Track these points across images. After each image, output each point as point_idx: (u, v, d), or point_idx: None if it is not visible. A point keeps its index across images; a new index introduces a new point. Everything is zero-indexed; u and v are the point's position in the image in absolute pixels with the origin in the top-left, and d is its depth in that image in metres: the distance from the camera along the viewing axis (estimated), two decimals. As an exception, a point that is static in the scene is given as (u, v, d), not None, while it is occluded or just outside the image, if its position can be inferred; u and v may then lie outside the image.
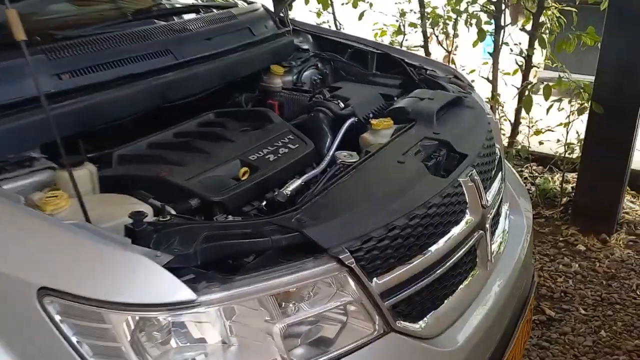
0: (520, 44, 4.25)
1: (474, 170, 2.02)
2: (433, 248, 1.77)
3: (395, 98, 2.78)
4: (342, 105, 2.62)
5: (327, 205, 1.68)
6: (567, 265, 3.82)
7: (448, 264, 1.83)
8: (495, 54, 4.44)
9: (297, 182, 2.03)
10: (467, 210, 1.95)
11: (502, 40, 4.39)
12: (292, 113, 2.90)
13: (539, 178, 4.68)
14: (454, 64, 4.82)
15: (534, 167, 4.78)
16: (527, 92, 4.10)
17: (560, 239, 4.11)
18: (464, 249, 1.90)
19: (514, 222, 2.40)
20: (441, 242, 1.80)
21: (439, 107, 2.34)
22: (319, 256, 1.52)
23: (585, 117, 4.00)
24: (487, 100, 4.34)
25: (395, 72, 3.05)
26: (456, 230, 1.87)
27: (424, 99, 2.44)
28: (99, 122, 2.19)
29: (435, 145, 2.14)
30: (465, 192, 1.95)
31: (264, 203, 2.05)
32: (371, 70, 3.16)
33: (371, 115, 2.59)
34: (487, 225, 2.03)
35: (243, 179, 2.06)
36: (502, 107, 4.54)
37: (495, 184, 2.23)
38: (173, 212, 1.72)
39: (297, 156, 2.23)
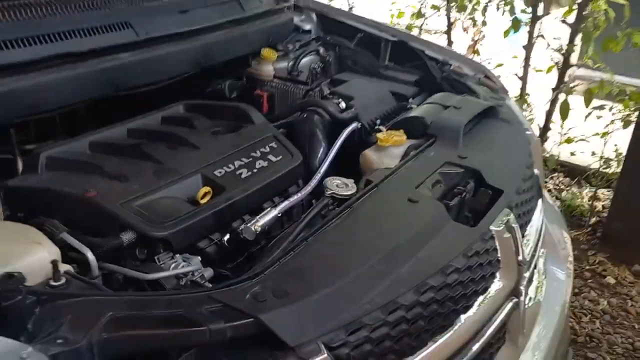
0: (559, 38, 3.69)
1: (512, 214, 1.50)
2: (450, 333, 1.26)
3: (411, 100, 2.25)
4: (343, 105, 2.09)
5: (302, 270, 1.17)
6: (593, 302, 3.31)
7: (470, 353, 1.31)
8: (528, 48, 3.87)
9: (271, 215, 1.51)
10: (498, 273, 1.43)
11: (537, 33, 3.82)
12: (282, 109, 2.38)
13: (565, 192, 4.14)
14: (479, 55, 4.25)
15: (561, 179, 4.24)
16: (564, 96, 3.54)
17: (587, 267, 3.59)
18: (491, 329, 1.38)
19: (551, 275, 1.88)
20: (461, 323, 1.28)
21: (467, 120, 1.81)
22: (281, 356, 1.01)
23: (630, 128, 3.44)
24: (516, 99, 3.78)
25: (413, 66, 2.51)
26: (482, 303, 1.36)
27: (448, 106, 1.91)
28: (21, 112, 1.67)
29: (460, 176, 1.61)
30: (498, 247, 1.42)
31: (227, 237, 1.54)
32: (384, 61, 2.62)
33: (379, 121, 2.06)
34: (523, 290, 1.51)
35: (202, 202, 1.55)
36: (532, 109, 3.99)
37: (534, 227, 1.70)
38: (72, 268, 1.20)
39: (278, 172, 1.72)
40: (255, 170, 1.69)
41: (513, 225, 1.47)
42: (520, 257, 1.48)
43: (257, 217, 1.51)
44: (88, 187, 1.49)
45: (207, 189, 1.58)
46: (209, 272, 1.46)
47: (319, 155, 1.92)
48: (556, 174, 4.29)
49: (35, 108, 1.68)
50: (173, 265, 1.41)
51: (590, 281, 3.47)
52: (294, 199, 1.65)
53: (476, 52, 4.28)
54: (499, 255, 1.42)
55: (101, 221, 1.43)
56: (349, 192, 1.45)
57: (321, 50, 2.60)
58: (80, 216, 1.46)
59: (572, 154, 3.99)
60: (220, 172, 1.64)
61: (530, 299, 1.66)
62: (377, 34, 2.60)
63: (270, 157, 1.77)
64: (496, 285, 1.41)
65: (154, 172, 1.59)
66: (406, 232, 1.32)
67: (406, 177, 1.53)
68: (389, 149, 1.70)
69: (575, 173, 4.22)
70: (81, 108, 2.09)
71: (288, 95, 2.38)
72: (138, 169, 1.60)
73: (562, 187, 4.25)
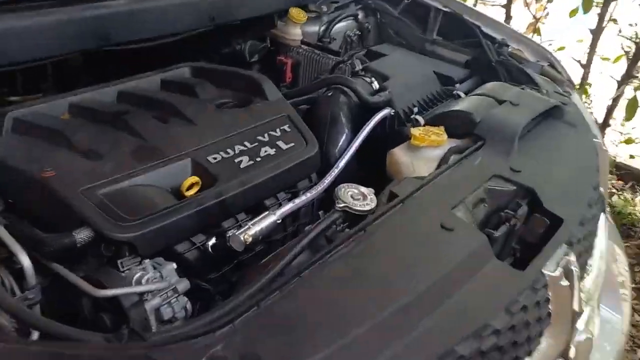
0: (635, 24, 3.23)
1: (572, 253, 1.17)
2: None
3: (457, 85, 1.90)
4: (376, 85, 1.76)
5: (287, 321, 0.87)
6: (638, 327, 2.94)
7: None
8: (596, 32, 3.42)
9: (267, 221, 1.21)
10: (547, 330, 1.11)
11: (609, 16, 3.36)
12: (307, 81, 2.05)
13: (616, 196, 3.74)
14: (539, 35, 3.81)
15: (614, 182, 3.84)
16: (632, 92, 3.11)
17: (633, 285, 3.20)
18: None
19: (604, 320, 1.54)
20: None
21: (526, 122, 1.46)
22: None
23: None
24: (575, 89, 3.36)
25: (465, 44, 2.15)
26: (524, 373, 1.04)
27: (503, 101, 1.56)
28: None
29: (510, 195, 1.28)
30: (551, 298, 1.10)
31: (212, 241, 1.25)
32: (431, 34, 2.26)
33: (416, 109, 1.72)
34: (573, 347, 1.19)
35: (187, 194, 1.26)
36: (591, 101, 3.57)
37: (594, 268, 1.36)
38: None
39: (286, 164, 1.41)
40: (258, 159, 1.39)
41: (573, 268, 1.14)
42: (576, 308, 1.16)
43: (250, 223, 1.21)
44: (47, 164, 1.21)
45: (194, 179, 1.29)
46: (183, 285, 1.18)
47: (340, 144, 1.60)
48: (609, 176, 3.88)
49: (4, 57, 1.39)
50: (137, 276, 1.13)
51: (636, 302, 3.11)
52: (301, 199, 1.34)
53: (537, 31, 3.84)
54: (550, 308, 1.09)
55: (56, 211, 1.15)
56: (367, 208, 1.13)
57: (360, 15, 2.26)
58: (35, 202, 1.19)
59: (632, 156, 3.56)
60: (215, 158, 1.34)
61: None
62: (427, 2, 2.24)
63: (280, 143, 1.46)
64: (543, 345, 1.10)
65: (133, 150, 1.30)
66: (433, 272, 1.01)
67: (442, 192, 1.21)
68: (424, 151, 1.37)
69: (630, 177, 3.81)
70: (74, 64, 1.81)
71: (315, 65, 2.06)
72: (115, 145, 1.31)
73: (614, 190, 3.84)
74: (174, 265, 1.20)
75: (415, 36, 2.22)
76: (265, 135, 1.47)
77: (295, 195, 1.47)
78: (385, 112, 1.68)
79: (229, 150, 1.38)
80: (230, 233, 1.20)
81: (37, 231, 1.10)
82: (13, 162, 1.22)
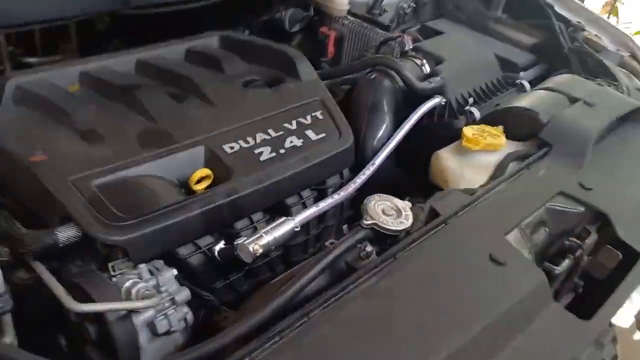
0: None
1: (649, 299, 0.95)
2: None
3: (522, 73, 1.66)
4: (427, 69, 1.54)
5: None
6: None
7: None
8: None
9: (284, 229, 1.04)
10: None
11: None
12: (351, 58, 1.84)
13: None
14: (616, 16, 3.45)
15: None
16: None
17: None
18: None
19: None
20: None
21: (602, 127, 1.23)
22: None
23: None
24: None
25: (534, 25, 1.89)
26: None
27: (577, 99, 1.32)
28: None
29: (577, 218, 1.06)
30: (620, 354, 0.89)
31: (220, 246, 1.09)
32: (495, 11, 2.00)
33: (471, 100, 1.50)
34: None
35: (196, 188, 1.10)
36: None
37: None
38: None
39: (315, 158, 1.23)
40: (282, 151, 1.21)
41: (649, 320, 0.93)
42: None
43: (263, 230, 1.04)
44: (40, 145, 1.06)
45: (205, 171, 1.12)
46: (183, 295, 1.02)
47: (379, 136, 1.40)
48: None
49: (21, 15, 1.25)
50: (128, 284, 0.98)
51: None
52: (327, 202, 1.17)
53: (614, 12, 3.48)
54: (616, 368, 0.89)
55: (42, 202, 1.01)
56: (400, 227, 0.94)
57: (416, -15, 2.01)
58: (22, 189, 1.05)
59: None
60: (232, 148, 1.17)
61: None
62: (494, -27, 1.97)
63: (309, 132, 1.27)
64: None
65: (140, 133, 1.14)
66: (477, 320, 0.81)
67: (495, 211, 1.00)
68: (477, 156, 1.16)
69: None
70: (97, 28, 1.66)
71: (361, 40, 1.84)
72: (120, 125, 1.15)
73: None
74: (174, 272, 1.05)
75: (478, 12, 1.97)
76: (293, 122, 1.28)
77: (322, 193, 1.29)
78: (435, 101, 1.46)
79: (249, 139, 1.20)
80: (239, 241, 1.04)
81: (17, 226, 0.95)
82: (2, 141, 1.07)
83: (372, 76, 1.47)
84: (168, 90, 1.30)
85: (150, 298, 0.96)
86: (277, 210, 1.24)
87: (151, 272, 1.04)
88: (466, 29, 1.91)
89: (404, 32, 1.81)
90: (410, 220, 0.95)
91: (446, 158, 1.18)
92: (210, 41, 1.56)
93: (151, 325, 1.03)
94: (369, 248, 0.87)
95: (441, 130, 1.47)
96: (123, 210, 0.99)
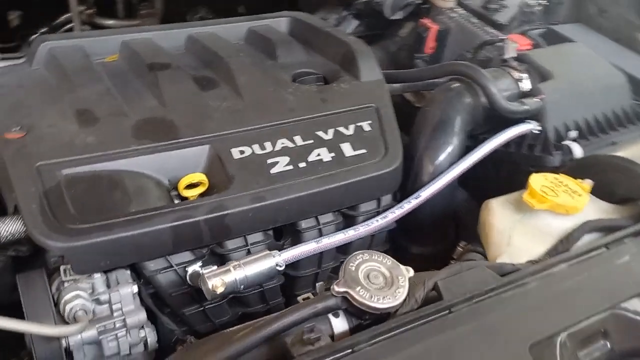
0: None
1: None
2: None
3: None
4: (527, 85, 1.23)
5: None
6: None
7: None
8: None
9: (262, 266, 0.85)
10: None
11: None
12: (451, 58, 1.56)
13: None
14: None
15: None
16: None
17: None
18: None
19: None
20: None
21: None
22: None
23: None
24: None
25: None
26: None
27: None
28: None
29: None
30: None
31: (194, 268, 0.92)
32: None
33: (574, 133, 1.17)
34: None
35: (186, 194, 0.93)
36: None
37: None
38: None
39: (341, 179, 1.01)
40: (301, 165, 1.00)
41: None
42: None
43: (233, 264, 0.85)
44: (28, 119, 0.95)
45: (198, 177, 0.95)
46: (135, 319, 0.89)
47: (439, 160, 1.13)
48: None
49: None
50: (69, 296, 0.85)
51: None
52: (332, 239, 0.94)
53: None
54: None
55: (4, 185, 0.90)
56: (382, 305, 0.69)
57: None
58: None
59: None
60: (241, 153, 0.99)
61: None
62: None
63: (345, 146, 1.05)
64: None
65: (141, 121, 1.00)
66: None
67: (529, 305, 0.71)
68: (539, 217, 0.86)
69: None
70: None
71: (468, 38, 1.54)
72: (124, 108, 1.02)
73: None
74: (134, 290, 0.90)
75: (626, 21, 1.57)
76: (330, 131, 1.06)
77: (348, 219, 1.06)
78: (526, 127, 1.16)
79: (266, 145, 1.01)
80: (205, 271, 0.85)
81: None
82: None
83: (452, 86, 1.20)
84: (199, 74, 1.14)
85: (79, 322, 0.82)
86: (289, 232, 1.04)
87: (108, 285, 0.91)
88: (606, 40, 1.53)
89: (525, 34, 1.49)
90: (401, 297, 0.70)
91: (495, 211, 0.89)
92: (278, 22, 1.38)
93: (98, 345, 0.90)
94: (313, 333, 0.64)
95: (526, 164, 1.16)
96: (83, 211, 0.85)
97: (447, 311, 0.68)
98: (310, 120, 1.07)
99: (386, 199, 1.10)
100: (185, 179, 0.94)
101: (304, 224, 1.03)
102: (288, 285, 1.06)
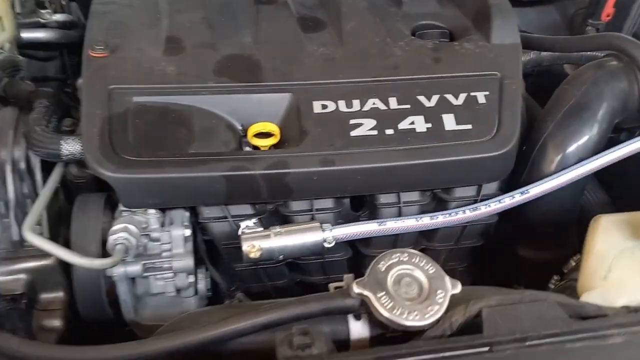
0: None
1: None
2: None
3: None
4: None
5: None
6: None
7: None
8: None
9: (307, 238, 0.76)
10: None
11: None
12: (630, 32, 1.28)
13: None
14: None
15: None
16: None
17: None
18: None
19: None
20: None
21: None
22: None
23: None
24: None
25: None
26: None
27: None
28: None
29: None
30: None
31: (247, 223, 0.86)
32: None
33: None
34: None
35: (257, 144, 0.86)
36: None
37: None
38: None
39: (433, 155, 0.86)
40: (389, 132, 0.87)
41: None
42: None
43: (275, 230, 0.76)
44: (113, 40, 0.93)
45: (268, 127, 0.86)
46: (180, 264, 0.85)
47: (569, 150, 0.92)
48: None
49: None
50: (118, 227, 0.83)
51: None
52: (401, 224, 0.81)
53: None
54: None
55: (79, 102, 0.89)
56: (406, 322, 0.56)
57: None
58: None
59: None
60: (324, 107, 0.88)
61: None
62: None
63: (448, 118, 0.89)
64: None
65: (227, 57, 0.93)
66: None
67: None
68: None
69: None
70: None
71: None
72: (212, 41, 0.95)
73: None
74: (185, 233, 0.86)
75: None
76: (434, 97, 0.91)
77: (439, 203, 0.92)
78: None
79: (354, 103, 0.89)
80: (246, 230, 0.78)
81: (36, 126, 0.86)
82: (92, 24, 0.97)
83: (604, 64, 0.96)
84: (309, 13, 1.04)
85: (114, 256, 0.79)
86: (369, 204, 0.93)
87: (162, 223, 0.87)
88: None
89: None
90: (433, 317, 0.56)
91: (601, 231, 0.68)
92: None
93: (145, 282, 0.88)
94: (307, 337, 0.52)
95: None
96: (142, 143, 0.82)
97: (487, 348, 0.53)
98: (413, 82, 0.92)
99: (489, 187, 0.93)
100: (254, 127, 0.86)
101: (382, 198, 0.91)
102: (356, 261, 0.95)
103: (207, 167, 0.81)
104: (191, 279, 0.89)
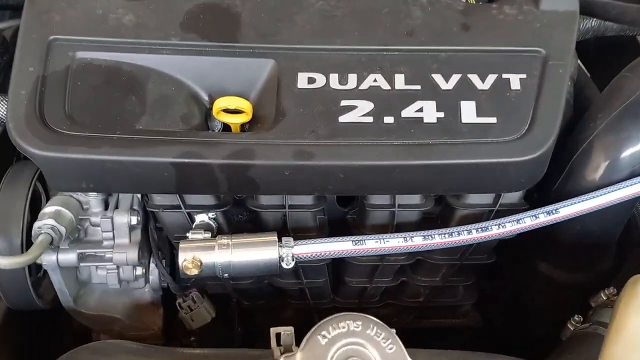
0: None
1: None
2: None
3: None
4: None
5: None
6: None
7: None
8: None
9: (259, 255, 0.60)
10: None
11: None
12: None
13: None
14: None
15: None
16: None
17: None
18: None
19: None
20: None
21: None
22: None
23: None
24: None
25: None
26: None
27: None
28: None
29: None
30: None
31: (205, 216, 0.71)
32: None
33: None
34: None
35: (223, 119, 0.71)
36: None
37: None
38: None
39: (436, 156, 0.68)
40: (387, 120, 0.69)
41: None
42: None
43: (215, 240, 0.61)
44: None
45: (238, 102, 0.69)
46: (119, 257, 0.72)
47: (618, 158, 0.73)
48: None
49: None
50: (48, 210, 0.70)
51: None
52: (381, 244, 0.65)
53: None
54: None
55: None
56: None
57: None
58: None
59: None
60: (310, 82, 0.71)
61: None
62: None
63: (466, 106, 0.70)
64: None
65: (198, 6, 0.75)
66: None
67: None
68: None
69: None
70: None
71: None
72: None
73: None
74: (131, 221, 0.73)
75: None
76: (454, 77, 0.72)
77: (446, 209, 0.75)
78: None
79: (348, 78, 0.71)
80: (189, 236, 0.63)
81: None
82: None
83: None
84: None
85: (37, 247, 0.66)
86: (355, 201, 0.77)
87: (106, 205, 0.74)
88: None
89: None
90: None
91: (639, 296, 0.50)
92: None
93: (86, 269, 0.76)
94: None
95: None
96: (78, 113, 0.67)
97: None
98: (430, 55, 0.73)
99: (511, 196, 0.75)
100: (220, 101, 0.69)
101: (373, 199, 0.74)
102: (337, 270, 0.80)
103: (154, 151, 0.65)
104: (139, 271, 0.76)
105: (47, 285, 0.77)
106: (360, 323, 0.46)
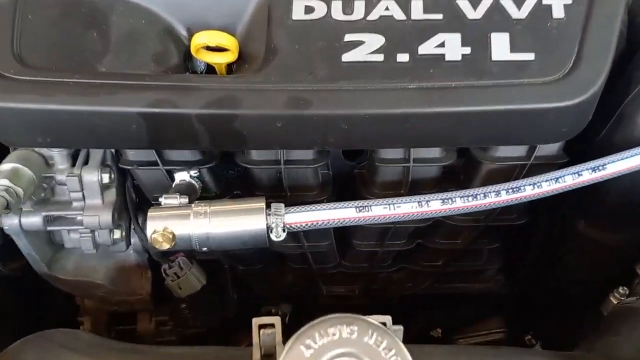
0: None
1: None
2: None
3: None
4: None
5: None
6: None
7: None
8: None
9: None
10: None
11: None
12: None
13: None
14: None
15: None
16: None
17: None
18: None
19: None
20: None
21: None
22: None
23: None
24: None
25: None
26: None
27: None
28: None
29: None
30: None
31: (186, 174, 0.61)
32: None
33: None
34: None
35: (204, 59, 0.59)
36: None
37: None
38: None
39: (464, 104, 0.56)
40: (402, 59, 0.57)
41: None
42: None
43: (191, 208, 0.51)
44: None
45: (220, 37, 0.58)
46: (89, 220, 0.63)
47: None
48: None
49: None
50: (6, 166, 0.60)
51: None
52: (387, 211, 0.54)
53: None
54: None
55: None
56: None
57: None
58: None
59: None
60: (308, 10, 0.59)
61: None
62: None
63: (499, 39, 0.58)
64: None
65: None
66: None
67: None
68: None
69: None
70: None
71: None
72: None
73: None
74: (102, 179, 0.63)
75: None
76: (483, 5, 0.59)
77: (470, 162, 0.63)
78: None
79: (354, 6, 0.58)
80: (162, 201, 0.53)
81: None
82: None
83: None
84: None
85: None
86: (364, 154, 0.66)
87: (73, 163, 0.64)
88: None
89: None
90: None
91: None
92: None
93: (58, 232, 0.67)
94: None
95: None
96: (31, 53, 0.56)
97: None
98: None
99: (548, 147, 0.63)
100: (200, 36, 0.57)
101: (384, 153, 0.63)
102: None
103: (119, 99, 0.54)
104: (117, 234, 0.66)
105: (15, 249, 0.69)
106: (355, 328, 0.36)
